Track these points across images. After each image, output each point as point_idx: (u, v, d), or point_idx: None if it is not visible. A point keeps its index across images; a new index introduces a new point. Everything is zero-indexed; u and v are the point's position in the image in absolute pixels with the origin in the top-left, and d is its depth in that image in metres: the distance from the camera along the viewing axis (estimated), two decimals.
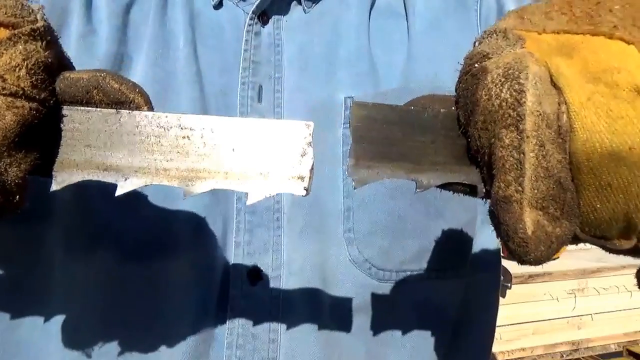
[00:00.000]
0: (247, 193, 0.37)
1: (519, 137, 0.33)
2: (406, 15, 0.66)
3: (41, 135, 0.36)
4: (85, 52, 0.58)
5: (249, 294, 0.58)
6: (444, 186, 0.38)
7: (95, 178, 0.37)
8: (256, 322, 0.58)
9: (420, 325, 0.64)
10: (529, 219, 0.33)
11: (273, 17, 0.63)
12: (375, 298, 0.61)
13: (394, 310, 0.63)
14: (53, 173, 0.38)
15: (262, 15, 0.63)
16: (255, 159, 0.37)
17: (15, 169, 0.35)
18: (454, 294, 0.66)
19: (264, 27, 0.63)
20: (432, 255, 0.62)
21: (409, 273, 0.62)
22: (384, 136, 0.38)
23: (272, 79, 0.62)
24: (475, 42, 0.39)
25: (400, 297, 0.62)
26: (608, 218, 0.34)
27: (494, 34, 0.37)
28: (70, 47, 0.57)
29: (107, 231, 0.57)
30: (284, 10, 0.64)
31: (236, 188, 0.37)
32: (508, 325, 3.44)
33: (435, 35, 0.65)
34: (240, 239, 0.59)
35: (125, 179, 0.37)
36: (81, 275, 0.57)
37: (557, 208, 0.33)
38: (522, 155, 0.33)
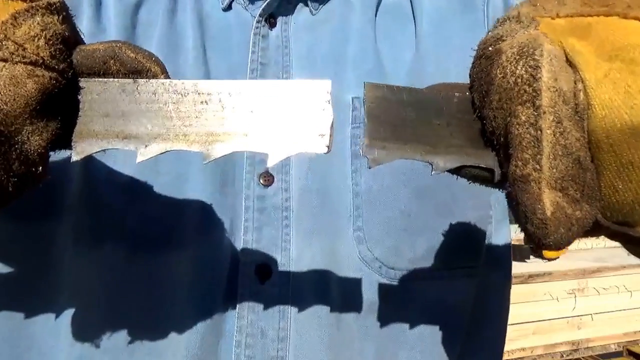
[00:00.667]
0: (267, 154, 0.37)
1: (536, 114, 0.32)
2: (413, 16, 0.66)
3: (61, 107, 0.37)
4: None
5: (257, 292, 0.58)
6: (460, 170, 0.38)
7: (114, 146, 0.38)
8: (265, 321, 0.58)
9: (432, 325, 0.63)
10: (548, 200, 0.32)
11: (280, 19, 0.64)
12: (386, 297, 0.61)
13: (404, 309, 0.62)
14: (72, 143, 0.38)
15: (270, 18, 0.63)
16: (274, 119, 0.37)
17: (38, 137, 0.35)
18: (466, 294, 0.65)
19: (271, 30, 0.63)
20: (443, 253, 0.62)
21: (419, 272, 0.62)
22: (399, 117, 0.37)
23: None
24: (488, 32, 0.39)
25: (411, 296, 0.62)
26: (631, 200, 0.33)
27: (507, 20, 0.37)
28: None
29: (114, 226, 0.57)
30: (291, 12, 0.65)
31: (256, 149, 0.37)
32: (508, 325, 3.44)
33: (443, 35, 0.65)
34: (249, 237, 0.59)
35: (145, 146, 0.37)
36: (88, 270, 0.57)
37: (577, 190, 0.32)
38: (539, 132, 0.32)
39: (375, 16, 0.66)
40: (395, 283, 0.61)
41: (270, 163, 0.37)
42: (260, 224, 0.59)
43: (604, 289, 3.78)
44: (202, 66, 0.61)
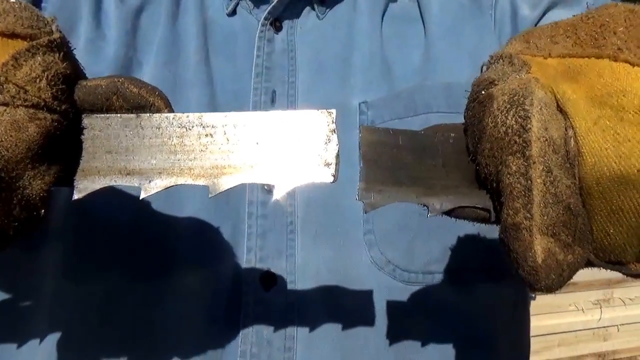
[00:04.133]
0: (274, 185, 0.36)
1: (526, 164, 0.33)
2: (422, 20, 0.66)
3: (62, 146, 0.36)
4: (94, 56, 0.58)
5: (262, 300, 0.57)
6: (455, 211, 0.38)
7: (118, 183, 0.37)
8: (270, 330, 0.57)
9: (452, 333, 0.61)
10: (539, 247, 0.32)
11: (286, 23, 0.64)
12: (402, 302, 0.59)
13: (422, 315, 0.60)
14: (74, 182, 0.37)
15: (275, 22, 0.63)
16: (279, 150, 0.37)
17: (40, 181, 0.35)
18: (485, 301, 0.64)
19: (277, 34, 0.63)
20: (459, 254, 0.60)
21: (436, 274, 0.60)
22: (394, 160, 0.38)
23: (286, 84, 0.62)
24: (482, 66, 0.40)
25: (428, 301, 0.60)
26: (622, 243, 0.34)
27: (500, 60, 0.38)
28: (79, 51, 0.58)
29: (107, 251, 0.56)
30: (297, 16, 0.65)
31: (263, 181, 0.36)
32: (532, 336, 3.37)
33: (453, 39, 0.65)
34: (252, 244, 0.58)
35: (149, 181, 0.37)
36: (76, 299, 0.56)
37: (569, 234, 0.33)
38: (529, 181, 0.33)
39: (382, 21, 0.65)
40: (411, 286, 0.60)
41: (277, 194, 0.36)
42: (264, 230, 0.58)
43: (630, 299, 3.72)
44: (204, 70, 0.61)
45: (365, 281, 0.59)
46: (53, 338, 0.55)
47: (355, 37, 0.64)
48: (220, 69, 0.61)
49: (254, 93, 0.61)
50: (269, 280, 0.58)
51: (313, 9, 0.65)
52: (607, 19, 0.36)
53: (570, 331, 3.56)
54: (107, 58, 0.58)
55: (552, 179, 0.32)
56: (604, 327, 3.71)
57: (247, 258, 0.58)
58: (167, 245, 0.56)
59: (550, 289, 0.33)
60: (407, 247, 0.59)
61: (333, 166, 0.37)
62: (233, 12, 0.63)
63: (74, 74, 0.38)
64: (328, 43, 0.64)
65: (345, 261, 0.59)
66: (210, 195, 0.36)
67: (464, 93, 0.61)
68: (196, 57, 0.61)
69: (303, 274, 0.58)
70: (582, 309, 3.60)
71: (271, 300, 0.57)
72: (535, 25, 0.65)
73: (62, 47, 0.36)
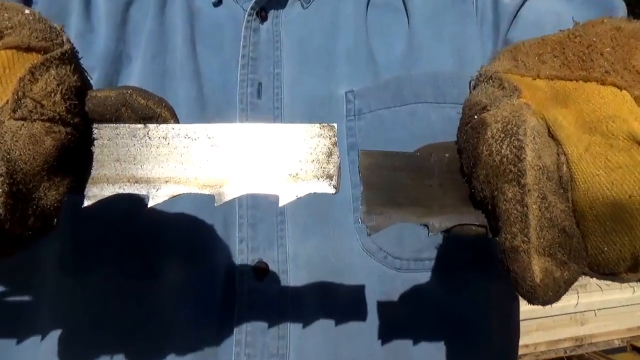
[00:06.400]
0: (278, 196, 0.38)
1: (522, 191, 0.34)
2: (405, 10, 0.67)
3: (74, 157, 0.37)
4: (84, 50, 0.58)
5: (255, 290, 0.58)
6: (454, 229, 0.40)
7: (126, 191, 0.38)
8: (264, 319, 0.57)
9: (443, 320, 0.62)
10: (537, 267, 0.34)
11: (271, 13, 0.64)
12: (394, 289, 0.60)
13: (414, 302, 0.61)
14: (85, 190, 0.39)
15: (261, 12, 0.64)
16: (283, 162, 0.38)
17: (54, 192, 0.36)
18: (478, 286, 0.64)
19: (262, 24, 0.64)
20: (450, 242, 0.61)
21: (426, 261, 0.61)
22: (393, 182, 0.39)
23: (272, 75, 0.63)
24: (470, 81, 0.41)
25: (421, 289, 0.61)
26: (615, 258, 0.35)
27: (490, 80, 0.39)
28: None
29: (102, 246, 0.57)
30: (282, 6, 0.65)
31: (267, 191, 0.38)
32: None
33: (435, 28, 0.66)
34: (244, 234, 0.59)
35: (157, 190, 0.38)
36: (75, 292, 0.57)
37: (564, 253, 0.35)
38: (525, 208, 0.34)
39: (366, 10, 0.66)
40: (403, 273, 0.60)
41: (282, 204, 0.38)
42: (255, 220, 0.59)
43: (607, 284, 3.77)
44: (192, 62, 0.61)
45: (357, 268, 0.60)
46: (55, 334, 0.56)
47: (340, 26, 0.65)
48: (207, 61, 0.62)
49: (240, 85, 0.61)
50: (262, 270, 0.58)
51: None
52: (593, 39, 0.37)
53: (548, 316, 3.60)
54: (97, 52, 0.59)
55: (547, 204, 0.34)
56: (581, 312, 3.77)
57: (239, 248, 0.58)
58: (160, 238, 0.57)
59: (547, 304, 0.36)
60: (397, 234, 0.60)
61: (335, 178, 0.38)
62: (219, 2, 0.64)
63: (84, 84, 0.39)
64: (313, 33, 0.65)
65: (337, 249, 0.59)
66: (215, 205, 0.38)
67: (450, 83, 0.63)
68: (183, 50, 0.61)
69: (295, 263, 0.59)
70: None
71: (264, 290, 0.58)
72: (517, 13, 0.66)
73: (73, 58, 0.38)
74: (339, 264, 0.59)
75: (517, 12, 0.67)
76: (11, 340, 0.57)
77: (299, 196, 0.38)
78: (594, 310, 3.80)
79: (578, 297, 3.72)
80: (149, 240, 0.57)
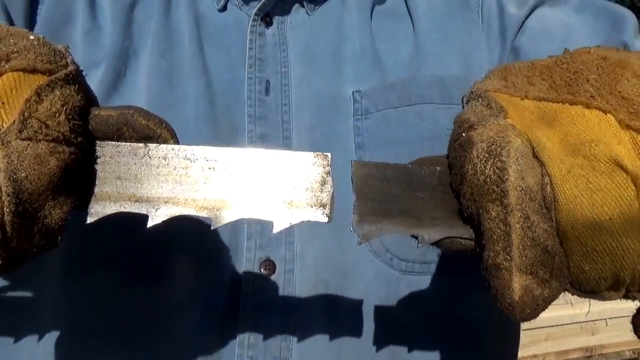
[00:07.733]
0: (272, 222, 0.39)
1: (504, 211, 0.35)
2: (410, 16, 0.68)
3: (78, 175, 0.38)
4: (91, 46, 0.60)
5: (261, 290, 0.58)
6: (443, 241, 0.40)
7: (127, 210, 0.39)
8: (268, 319, 0.58)
9: (445, 324, 0.62)
10: (517, 285, 0.35)
11: (276, 19, 0.66)
12: (397, 291, 0.61)
13: (419, 305, 0.61)
14: (88, 207, 0.39)
15: (266, 17, 0.65)
16: (278, 189, 0.39)
17: (59, 211, 0.37)
18: (480, 290, 0.64)
19: (267, 29, 0.65)
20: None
21: (431, 264, 0.61)
22: (385, 193, 0.40)
23: (279, 74, 0.64)
24: (463, 98, 0.42)
25: (424, 292, 0.61)
26: (597, 277, 0.36)
27: (480, 99, 0.40)
28: (77, 43, 0.60)
29: (106, 251, 0.57)
30: (287, 12, 0.66)
31: (262, 217, 0.39)
32: (520, 330, 3.40)
33: (441, 34, 0.67)
34: (253, 231, 0.59)
35: (156, 210, 0.39)
36: (79, 293, 0.57)
37: (546, 271, 0.35)
38: (508, 227, 0.35)
39: (370, 17, 0.67)
40: (408, 276, 0.61)
41: (276, 230, 0.38)
42: None
43: None
44: (199, 60, 0.62)
45: (363, 269, 0.60)
46: (55, 335, 0.57)
47: (345, 31, 0.66)
48: (215, 59, 0.63)
49: (248, 83, 0.62)
50: (268, 268, 0.59)
51: (302, 5, 0.67)
52: (580, 66, 0.38)
53: (558, 325, 3.57)
54: (104, 47, 0.60)
55: (529, 224, 0.35)
56: (592, 320, 3.73)
57: (247, 246, 0.59)
58: (167, 236, 0.57)
59: (524, 320, 0.36)
60: (404, 236, 0.60)
61: (328, 207, 0.39)
62: (224, 8, 0.65)
63: (89, 102, 0.40)
64: (318, 37, 0.66)
65: (344, 249, 0.60)
66: (212, 227, 0.39)
67: (456, 85, 0.64)
68: (191, 48, 0.62)
69: (301, 262, 0.59)
70: (571, 302, 3.61)
71: (269, 289, 0.58)
72: (523, 23, 0.67)
73: (77, 79, 0.39)
74: (345, 264, 0.60)
75: (524, 22, 0.67)
76: (9, 339, 0.58)
77: (292, 223, 0.38)
78: (605, 319, 3.76)
79: (590, 305, 3.68)
80: (156, 240, 0.57)
